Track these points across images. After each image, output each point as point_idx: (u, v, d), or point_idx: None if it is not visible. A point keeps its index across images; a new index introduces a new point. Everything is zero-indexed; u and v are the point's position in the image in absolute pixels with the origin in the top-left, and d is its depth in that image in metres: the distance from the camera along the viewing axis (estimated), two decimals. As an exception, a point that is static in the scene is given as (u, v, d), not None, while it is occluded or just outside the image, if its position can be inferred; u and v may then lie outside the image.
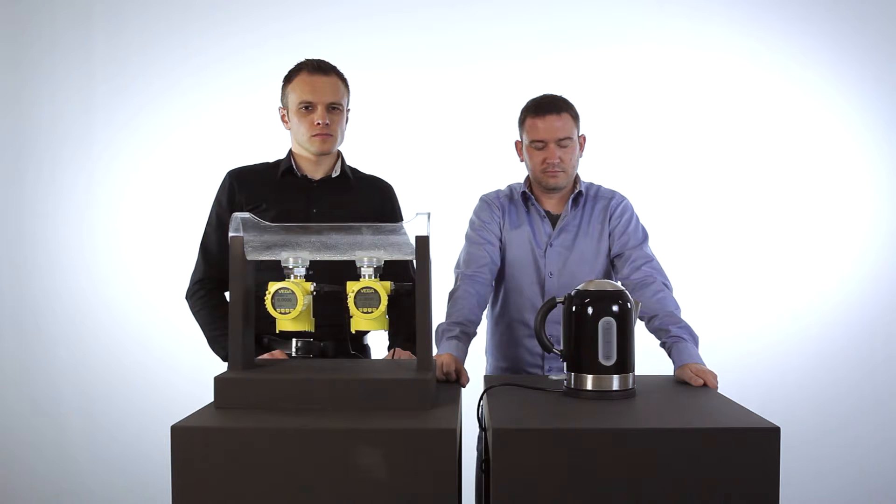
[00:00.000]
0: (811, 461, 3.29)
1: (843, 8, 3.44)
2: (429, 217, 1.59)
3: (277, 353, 1.97)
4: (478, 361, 2.25)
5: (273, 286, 1.61)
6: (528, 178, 2.24)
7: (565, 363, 1.71)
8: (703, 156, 3.49)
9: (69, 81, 3.47)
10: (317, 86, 2.03)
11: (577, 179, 2.21)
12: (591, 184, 2.26)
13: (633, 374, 1.68)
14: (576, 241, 2.18)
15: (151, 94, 3.48)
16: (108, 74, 3.48)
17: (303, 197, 2.10)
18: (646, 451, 1.38)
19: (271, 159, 2.19)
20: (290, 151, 2.15)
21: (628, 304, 1.65)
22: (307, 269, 1.65)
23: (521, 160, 2.21)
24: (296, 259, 1.63)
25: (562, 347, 1.71)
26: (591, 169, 2.37)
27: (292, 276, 1.63)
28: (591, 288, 1.67)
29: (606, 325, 1.63)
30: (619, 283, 1.79)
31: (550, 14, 3.47)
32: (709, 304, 3.27)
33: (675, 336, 1.90)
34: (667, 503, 1.37)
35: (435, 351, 1.94)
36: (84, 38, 3.47)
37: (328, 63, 2.08)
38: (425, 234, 1.58)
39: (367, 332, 2.10)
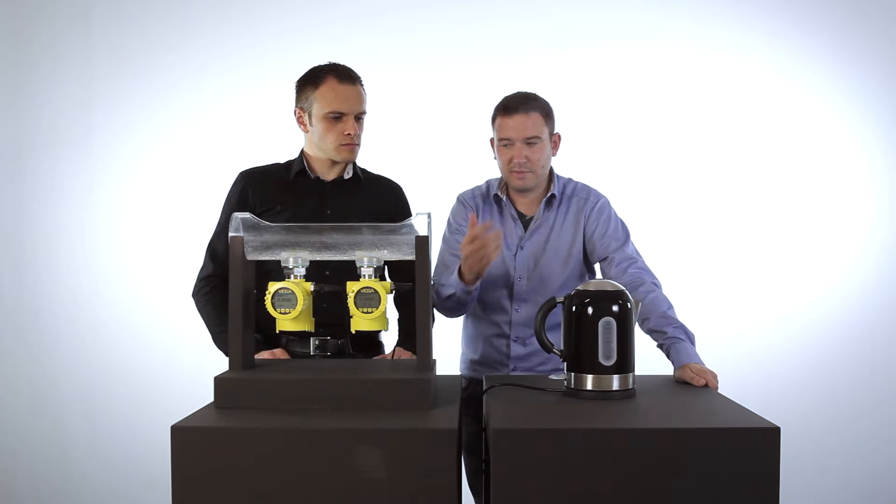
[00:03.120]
0: (811, 461, 3.29)
1: (843, 8, 3.44)
2: (429, 217, 1.59)
3: (279, 352, 1.97)
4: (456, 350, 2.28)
5: (273, 286, 1.61)
6: (502, 178, 2.22)
7: (565, 363, 1.71)
8: (703, 155, 3.49)
9: (69, 81, 3.46)
10: (348, 96, 2.03)
11: (551, 179, 2.18)
12: (570, 180, 2.21)
13: (633, 374, 1.67)
14: (547, 244, 2.15)
15: (151, 93, 3.48)
16: (108, 74, 3.48)
17: (317, 198, 2.10)
18: (646, 451, 1.38)
19: (280, 160, 2.17)
20: (302, 152, 2.15)
21: (628, 304, 1.65)
22: (325, 270, 1.64)
23: (495, 158, 2.18)
24: (296, 259, 1.63)
25: (562, 347, 1.71)
26: (591, 167, 2.37)
27: (292, 276, 1.63)
28: (591, 288, 1.67)
29: (606, 325, 1.63)
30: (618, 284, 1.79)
31: (550, 13, 3.46)
32: (708, 304, 3.27)
33: (672, 337, 1.90)
34: (667, 503, 1.37)
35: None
36: (84, 38, 3.46)
37: (353, 71, 2.07)
38: (425, 234, 1.58)
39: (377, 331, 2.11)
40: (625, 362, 1.64)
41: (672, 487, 1.37)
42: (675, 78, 3.47)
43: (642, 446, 1.38)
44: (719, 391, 1.77)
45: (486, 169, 2.56)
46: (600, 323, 1.62)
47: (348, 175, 2.13)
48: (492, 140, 2.18)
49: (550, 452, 1.38)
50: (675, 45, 3.46)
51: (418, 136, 3.42)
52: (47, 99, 3.46)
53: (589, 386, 1.65)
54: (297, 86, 2.10)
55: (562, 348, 1.71)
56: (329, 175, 2.12)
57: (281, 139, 2.37)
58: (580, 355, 1.66)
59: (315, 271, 1.73)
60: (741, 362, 3.25)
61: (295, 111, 2.11)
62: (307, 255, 1.64)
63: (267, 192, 2.09)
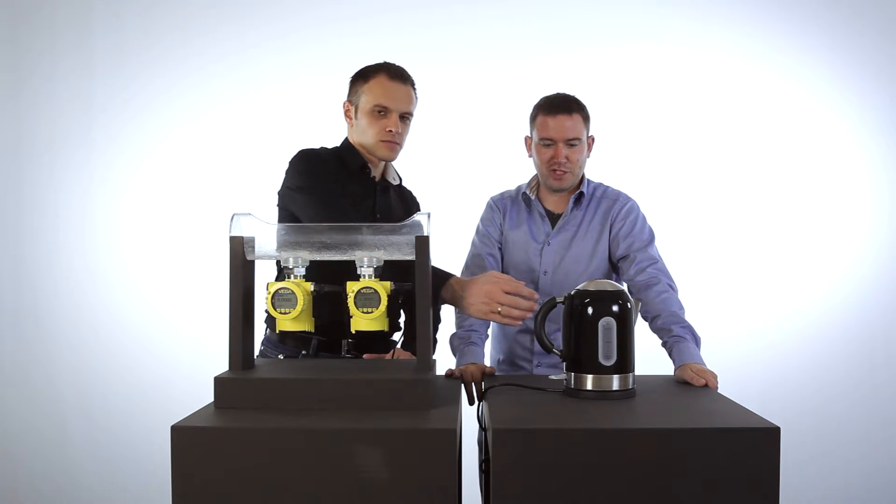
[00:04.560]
0: (811, 461, 3.29)
1: (842, 8, 3.44)
2: (429, 217, 1.59)
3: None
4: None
5: (273, 286, 1.61)
6: (534, 177, 2.25)
7: (565, 363, 1.71)
8: (703, 155, 3.49)
9: (69, 81, 3.47)
10: (396, 93, 2.03)
11: (582, 179, 2.22)
12: (600, 184, 2.27)
13: (633, 374, 1.67)
14: (573, 241, 2.19)
15: (151, 93, 3.48)
16: (108, 74, 3.48)
17: (371, 196, 2.09)
18: (646, 451, 1.38)
19: (328, 144, 2.14)
20: (352, 144, 2.10)
21: (628, 304, 1.65)
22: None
23: (529, 156, 2.22)
24: (296, 259, 1.63)
25: (561, 347, 1.71)
26: (592, 167, 2.37)
27: (292, 276, 1.63)
28: (591, 288, 1.67)
29: (606, 325, 1.63)
30: (618, 284, 1.79)
31: (552, 14, 3.47)
32: (709, 304, 3.26)
33: (676, 336, 1.90)
34: (667, 503, 1.37)
35: (452, 362, 2.01)
36: (84, 38, 3.47)
37: (406, 71, 2.07)
38: (425, 234, 1.58)
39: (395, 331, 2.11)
40: (625, 362, 1.64)
41: (672, 487, 1.37)
42: (675, 79, 3.47)
43: (642, 446, 1.38)
44: (719, 391, 1.77)
45: (486, 168, 2.56)
46: (600, 323, 1.62)
47: (395, 181, 2.15)
48: (527, 138, 2.22)
49: (550, 452, 1.38)
50: (675, 45, 3.47)
51: (419, 136, 3.41)
52: (47, 99, 3.47)
53: (589, 386, 1.65)
54: (350, 81, 2.10)
55: (562, 348, 1.71)
56: (376, 171, 2.12)
57: (281, 139, 2.37)
58: (580, 355, 1.66)
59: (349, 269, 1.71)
60: (741, 362, 3.25)
61: (344, 104, 2.11)
62: (307, 255, 1.64)
63: (337, 181, 2.03)
